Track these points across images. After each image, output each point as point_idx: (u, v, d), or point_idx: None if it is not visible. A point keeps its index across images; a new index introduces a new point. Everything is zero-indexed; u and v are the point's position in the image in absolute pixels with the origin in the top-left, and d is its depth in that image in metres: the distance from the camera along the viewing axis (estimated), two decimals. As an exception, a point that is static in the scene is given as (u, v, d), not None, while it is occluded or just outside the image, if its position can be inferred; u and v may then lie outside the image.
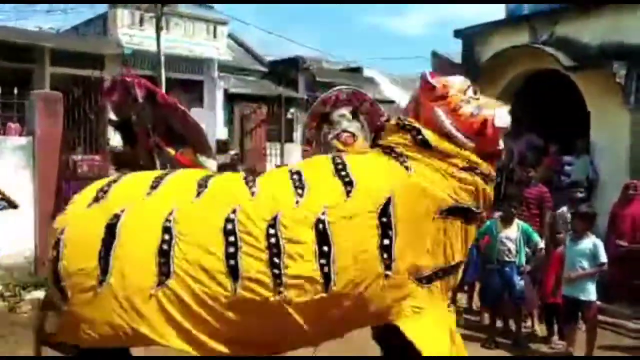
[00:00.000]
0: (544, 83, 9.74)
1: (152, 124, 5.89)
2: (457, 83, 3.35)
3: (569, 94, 9.19)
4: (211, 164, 7.95)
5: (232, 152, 8.74)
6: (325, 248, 2.91)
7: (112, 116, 6.29)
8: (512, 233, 5.92)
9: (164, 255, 2.87)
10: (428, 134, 3.23)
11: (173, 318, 2.85)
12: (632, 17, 8.58)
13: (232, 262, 2.87)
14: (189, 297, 2.84)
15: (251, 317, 2.88)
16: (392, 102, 19.86)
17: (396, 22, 74.83)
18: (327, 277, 2.89)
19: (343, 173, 3.17)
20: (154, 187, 3.14)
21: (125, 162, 6.09)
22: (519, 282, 5.90)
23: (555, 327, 6.02)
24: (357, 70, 21.12)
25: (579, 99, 9.07)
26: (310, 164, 3.50)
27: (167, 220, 2.94)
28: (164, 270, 2.86)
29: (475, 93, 3.37)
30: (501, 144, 3.42)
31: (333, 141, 5.21)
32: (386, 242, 3.01)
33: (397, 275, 3.03)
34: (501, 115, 3.32)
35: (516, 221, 6.05)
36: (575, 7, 9.32)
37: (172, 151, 5.91)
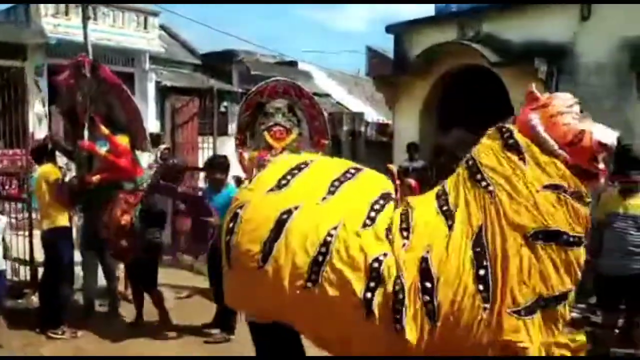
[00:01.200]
0: (473, 79, 10.05)
1: (94, 100, 5.91)
2: (562, 97, 3.18)
3: (496, 90, 9.52)
4: (146, 157, 7.85)
5: (163, 147, 8.56)
6: (428, 284, 2.92)
7: (63, 102, 6.23)
8: None
9: (316, 264, 3.03)
10: (520, 137, 3.05)
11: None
12: (554, 16, 8.96)
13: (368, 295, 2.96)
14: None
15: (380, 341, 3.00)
16: (327, 95, 20.01)
17: (335, 17, 75.22)
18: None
19: (445, 208, 3.14)
20: (331, 191, 3.22)
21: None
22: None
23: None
24: (293, 64, 21.12)
25: (505, 94, 9.41)
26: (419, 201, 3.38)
27: (329, 234, 3.05)
28: (313, 277, 3.04)
29: (581, 112, 3.09)
30: (602, 165, 3.06)
31: (264, 133, 5.21)
32: (482, 272, 2.88)
33: (495, 305, 2.86)
34: (603, 130, 3.00)
35: None
36: (500, 6, 9.64)
37: (105, 130, 5.85)
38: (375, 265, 2.96)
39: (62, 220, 5.73)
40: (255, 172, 5.01)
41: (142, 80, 14.87)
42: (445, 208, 3.09)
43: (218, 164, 5.76)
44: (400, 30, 11.35)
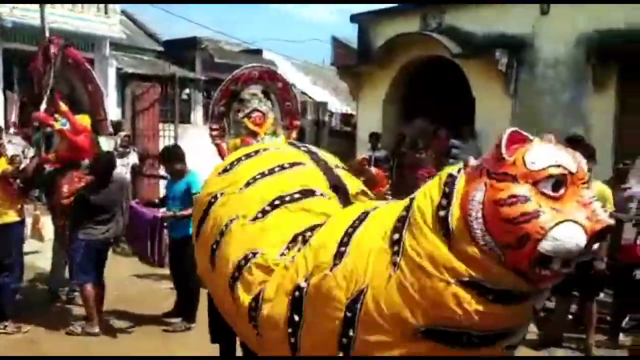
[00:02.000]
0: (435, 70, 10.16)
1: (58, 80, 5.93)
2: (538, 164, 2.05)
3: (458, 81, 9.65)
4: (109, 143, 7.73)
5: (123, 134, 8.42)
6: (297, 317, 2.52)
7: (32, 89, 6.26)
8: None
9: (212, 252, 3.01)
10: (455, 210, 2.17)
11: None
12: (514, 9, 9.12)
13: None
14: None
15: None
16: (292, 85, 19.94)
17: (301, 6, 74.86)
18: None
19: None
20: (250, 182, 3.07)
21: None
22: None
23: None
24: (257, 52, 20.95)
25: (467, 85, 9.55)
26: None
27: (226, 225, 2.97)
28: (211, 264, 3.04)
29: (558, 188, 2.05)
30: (548, 271, 2.10)
31: (244, 120, 5.17)
32: (344, 341, 2.34)
33: None
34: (566, 231, 2.00)
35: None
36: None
37: (64, 106, 5.81)
38: (242, 262, 2.79)
39: (10, 216, 5.50)
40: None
41: (103, 66, 14.50)
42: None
43: (174, 156, 5.71)
44: (364, 21, 11.40)
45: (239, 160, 3.30)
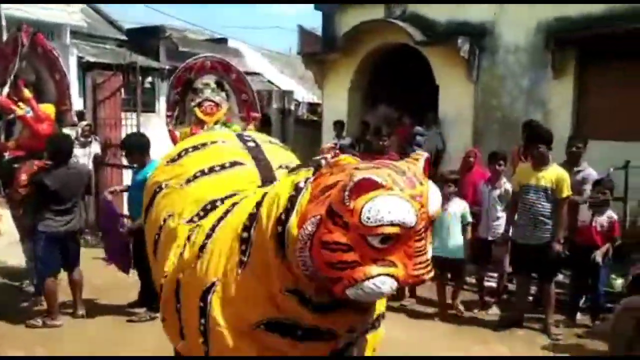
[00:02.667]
0: (399, 57, 10.22)
1: (24, 68, 5.89)
2: (372, 220, 1.93)
3: (421, 68, 9.72)
4: (71, 133, 7.59)
5: (84, 123, 8.27)
6: (178, 305, 2.71)
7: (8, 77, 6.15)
8: None
9: (154, 244, 3.07)
10: (292, 233, 2.14)
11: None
12: (476, -4, 9.20)
13: None
14: None
15: None
16: (258, 74, 19.82)
17: (264, -6, 74.05)
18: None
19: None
20: (190, 180, 3.08)
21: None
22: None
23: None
24: (222, 41, 20.77)
25: (430, 72, 9.63)
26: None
27: (164, 219, 3.00)
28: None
29: (386, 242, 1.97)
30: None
31: (194, 109, 5.15)
32: (202, 328, 2.50)
33: None
34: (373, 287, 1.99)
35: None
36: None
37: (28, 93, 5.73)
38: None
39: None
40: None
41: (63, 55, 14.08)
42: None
43: (134, 145, 5.65)
44: (328, 8, 11.37)
45: (186, 151, 3.27)
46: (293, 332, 2.28)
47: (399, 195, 1.95)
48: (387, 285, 1.97)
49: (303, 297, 2.20)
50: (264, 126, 7.89)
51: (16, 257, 6.51)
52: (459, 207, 5.80)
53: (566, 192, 5.19)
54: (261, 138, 3.48)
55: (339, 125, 10.30)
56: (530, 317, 5.69)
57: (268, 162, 3.11)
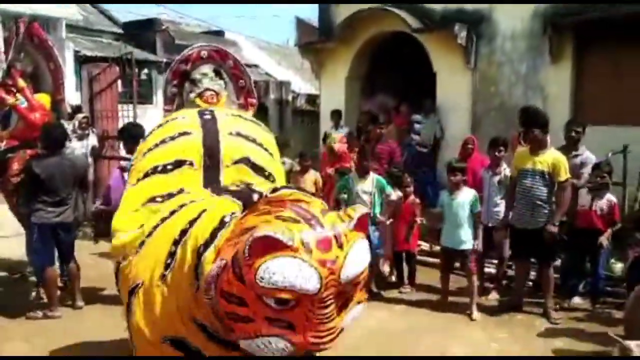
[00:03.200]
0: (396, 45, 10.18)
1: (20, 56, 6.00)
2: (265, 281, 1.90)
3: (419, 56, 9.68)
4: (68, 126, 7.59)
5: (81, 115, 8.25)
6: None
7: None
8: (367, 186, 6.08)
9: None
10: (206, 268, 2.11)
11: None
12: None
13: None
14: None
15: None
16: (256, 66, 19.79)
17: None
18: None
19: None
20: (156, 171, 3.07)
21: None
22: (374, 232, 6.14)
23: (406, 273, 6.42)
24: (219, 33, 20.71)
25: (427, 60, 9.59)
26: None
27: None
28: None
29: (283, 304, 1.94)
30: None
31: (196, 100, 5.13)
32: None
33: None
34: (264, 346, 1.98)
35: (371, 174, 6.23)
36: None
37: (22, 82, 5.77)
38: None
39: None
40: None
41: (59, 49, 14.07)
42: None
43: (132, 135, 5.66)
44: (325, -3, 11.31)
45: (153, 129, 3.41)
46: (197, 355, 2.30)
47: (302, 259, 1.84)
48: (279, 346, 1.91)
49: (210, 333, 2.19)
50: (260, 114, 7.87)
51: (21, 249, 6.55)
52: (467, 196, 5.66)
53: (564, 175, 5.16)
54: (223, 112, 3.59)
55: (336, 114, 10.26)
56: (530, 301, 5.69)
57: (216, 131, 3.15)
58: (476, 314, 5.46)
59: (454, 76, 9.33)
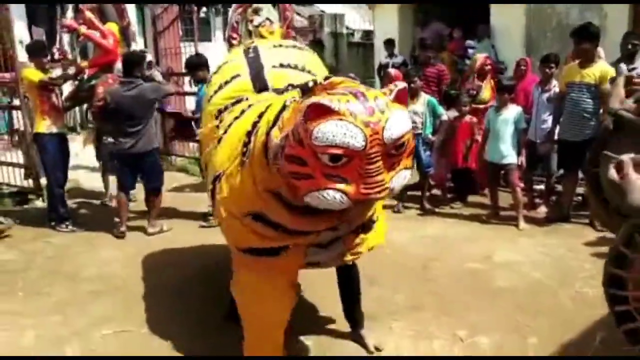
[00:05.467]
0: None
1: None
2: (319, 141, 2.21)
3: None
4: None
5: (148, 57, 8.60)
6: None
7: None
8: (418, 107, 6.23)
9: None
10: (274, 135, 2.50)
11: None
12: None
13: None
14: None
15: None
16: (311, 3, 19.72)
17: None
18: None
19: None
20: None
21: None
22: (425, 153, 6.39)
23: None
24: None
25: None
26: None
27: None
28: None
29: (336, 161, 2.25)
30: None
31: (260, 29, 5.42)
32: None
33: None
34: (327, 198, 2.29)
35: (422, 95, 6.38)
36: None
37: (89, 14, 6.45)
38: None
39: (40, 126, 5.97)
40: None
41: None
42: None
43: (196, 63, 6.33)
44: None
45: (219, 67, 3.84)
46: (275, 225, 2.70)
47: (347, 121, 2.16)
48: (337, 197, 2.24)
49: (282, 199, 2.58)
50: (316, 48, 8.10)
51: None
52: (512, 112, 5.83)
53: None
54: (266, 45, 3.88)
55: (389, 43, 10.32)
56: (578, 214, 5.87)
57: (261, 67, 3.48)
58: (523, 224, 5.72)
59: (508, -1, 9.19)
